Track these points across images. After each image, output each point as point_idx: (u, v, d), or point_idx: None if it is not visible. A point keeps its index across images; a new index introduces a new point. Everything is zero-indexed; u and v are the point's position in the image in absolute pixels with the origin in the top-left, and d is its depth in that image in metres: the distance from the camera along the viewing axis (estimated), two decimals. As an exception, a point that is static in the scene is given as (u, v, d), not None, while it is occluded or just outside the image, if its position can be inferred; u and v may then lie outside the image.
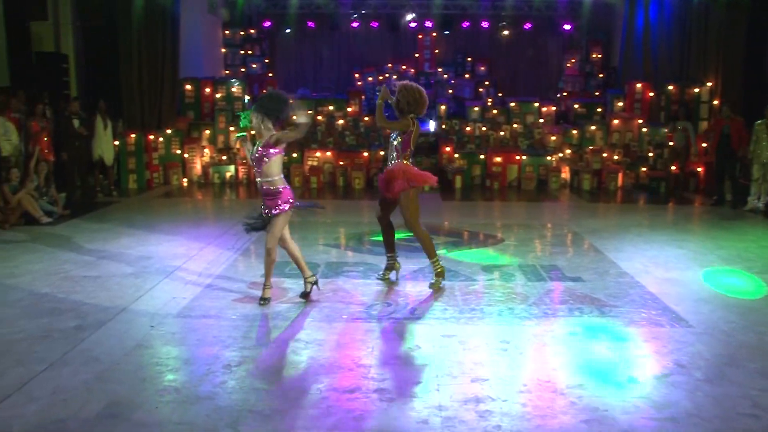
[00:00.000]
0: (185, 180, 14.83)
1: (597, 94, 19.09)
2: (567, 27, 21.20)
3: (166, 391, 4.44)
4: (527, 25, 21.59)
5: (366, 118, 16.34)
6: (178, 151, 14.96)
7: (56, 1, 14.47)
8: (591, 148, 14.94)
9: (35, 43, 14.15)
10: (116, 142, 13.56)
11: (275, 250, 6.23)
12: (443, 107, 17.34)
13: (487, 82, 21.15)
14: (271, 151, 6.06)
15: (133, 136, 14.17)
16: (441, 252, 7.90)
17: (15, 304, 6.28)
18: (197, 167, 15.07)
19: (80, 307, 6.17)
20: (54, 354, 5.06)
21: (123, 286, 6.84)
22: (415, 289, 6.84)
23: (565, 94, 19.92)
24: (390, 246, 7.11)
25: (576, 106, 17.05)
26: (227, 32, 20.03)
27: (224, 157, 15.13)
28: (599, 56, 20.00)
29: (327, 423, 4.04)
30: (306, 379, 4.66)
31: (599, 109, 16.59)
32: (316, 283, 6.50)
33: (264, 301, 6.28)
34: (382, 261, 7.82)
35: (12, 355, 5.06)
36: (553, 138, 15.55)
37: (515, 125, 16.09)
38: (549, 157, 14.82)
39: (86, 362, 4.92)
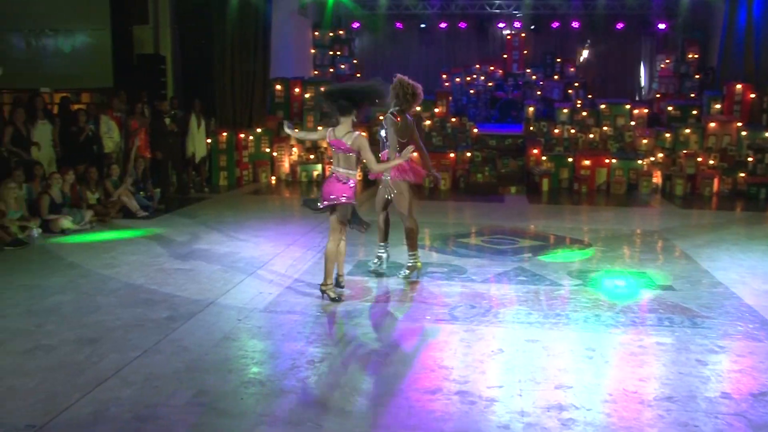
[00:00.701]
0: (273, 178, 15.15)
1: (693, 95, 18.38)
2: (661, 26, 20.51)
3: (251, 383, 4.56)
4: (619, 25, 21.01)
5: (453, 119, 16.28)
6: (268, 150, 15.30)
7: (157, 5, 15.06)
8: (685, 152, 14.39)
9: (136, 46, 14.79)
10: (209, 140, 14.00)
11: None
12: (531, 109, 17.08)
13: (576, 84, 20.71)
14: (348, 148, 6.16)
15: (224, 134, 14.58)
16: (526, 255, 7.81)
17: (112, 294, 6.58)
18: (285, 165, 15.37)
19: (172, 299, 6.41)
20: (147, 342, 5.27)
21: (212, 280, 7.05)
22: (499, 291, 6.78)
23: (658, 96, 19.29)
24: (386, 237, 7.35)
25: (669, 108, 16.47)
26: (317, 33, 20.35)
27: (312, 156, 15.37)
28: (696, 56, 19.26)
29: (408, 423, 4.05)
30: (388, 378, 4.69)
31: (694, 112, 15.94)
32: (328, 294, 6.33)
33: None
34: (468, 263, 7.82)
35: (109, 341, 5.31)
36: (645, 141, 15.06)
37: (605, 128, 15.69)
38: (640, 161, 14.36)
39: (177, 351, 5.11)
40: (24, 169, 9.58)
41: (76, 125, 11.11)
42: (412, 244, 7.09)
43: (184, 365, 4.85)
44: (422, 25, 21.61)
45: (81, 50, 14.93)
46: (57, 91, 13.99)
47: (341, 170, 6.24)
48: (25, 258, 8.06)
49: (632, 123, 15.86)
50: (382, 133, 7.00)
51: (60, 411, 4.14)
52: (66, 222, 9.31)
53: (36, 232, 8.99)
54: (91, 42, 14.79)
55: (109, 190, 10.55)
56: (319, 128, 7.13)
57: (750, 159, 14.14)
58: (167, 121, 12.54)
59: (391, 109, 6.97)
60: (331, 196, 6.20)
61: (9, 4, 14.81)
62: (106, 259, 7.88)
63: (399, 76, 7.10)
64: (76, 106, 13.01)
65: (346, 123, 6.19)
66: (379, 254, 7.33)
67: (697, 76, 18.99)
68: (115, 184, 10.70)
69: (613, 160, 14.25)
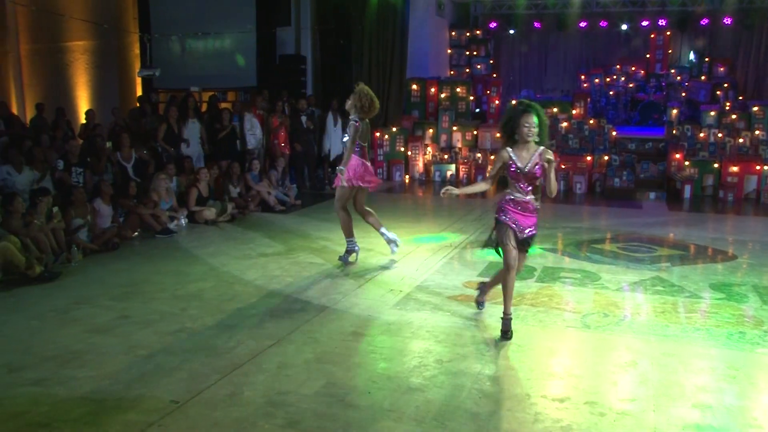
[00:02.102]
0: (407, 177, 15.32)
1: None
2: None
3: (378, 378, 4.64)
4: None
5: (591, 121, 15.81)
6: (402, 149, 15.49)
7: (299, 7, 15.62)
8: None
9: (279, 47, 15.41)
10: (344, 139, 14.32)
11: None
12: (674, 111, 16.27)
13: (726, 84, 19.51)
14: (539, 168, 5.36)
15: (360, 132, 14.88)
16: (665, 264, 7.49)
17: (249, 283, 6.90)
18: (419, 165, 15.50)
19: (305, 291, 6.63)
20: (281, 332, 5.49)
21: (344, 275, 7.24)
22: (634, 301, 6.52)
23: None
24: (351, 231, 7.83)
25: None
26: (453, 33, 20.35)
27: (446, 156, 15.41)
28: None
29: (534, 429, 3.99)
30: (515, 383, 4.63)
31: None
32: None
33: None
34: (601, 269, 7.57)
35: (245, 328, 5.58)
36: (803, 147, 13.99)
37: (757, 131, 14.70)
38: (796, 169, 13.36)
39: (308, 342, 5.28)
40: (174, 163, 10.27)
41: (221, 123, 11.72)
42: (346, 232, 7.83)
43: (315, 356, 5.01)
44: (561, 25, 21.08)
45: (228, 51, 15.76)
46: (205, 90, 14.82)
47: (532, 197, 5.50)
48: (172, 246, 8.62)
49: (789, 127, 14.76)
50: (345, 138, 7.71)
51: (200, 390, 4.40)
52: (210, 213, 9.86)
53: (183, 221, 9.59)
54: (238, 43, 15.57)
55: (250, 185, 11.06)
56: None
57: None
58: (303, 119, 12.96)
59: (352, 117, 7.62)
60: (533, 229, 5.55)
61: (163, 10, 15.87)
62: (245, 250, 8.28)
63: (360, 85, 7.73)
64: (222, 105, 13.73)
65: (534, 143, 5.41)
66: (353, 248, 7.86)
67: None
68: (255, 178, 11.21)
69: (765, 167, 13.33)
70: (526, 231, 5.45)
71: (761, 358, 5.16)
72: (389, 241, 8.00)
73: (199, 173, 10.17)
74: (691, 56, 20.94)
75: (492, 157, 15.04)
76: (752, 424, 4.12)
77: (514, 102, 5.64)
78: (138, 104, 13.84)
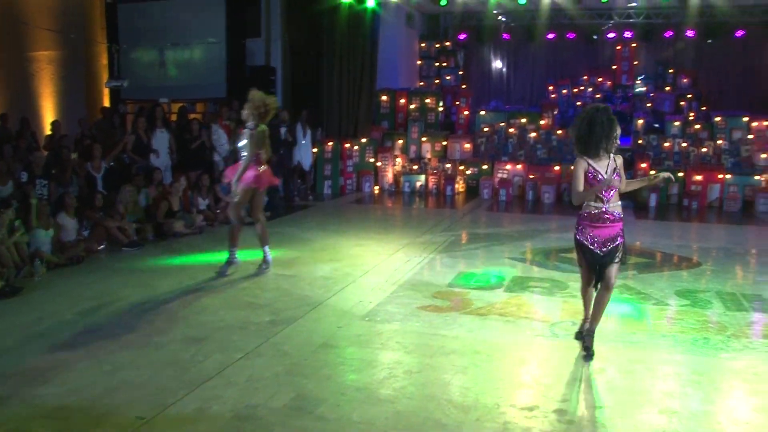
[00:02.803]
0: (377, 187, 15.34)
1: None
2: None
3: (348, 390, 4.63)
4: (739, 33, 20.00)
5: (559, 132, 15.99)
6: (372, 160, 15.51)
7: (269, 19, 15.58)
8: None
9: (249, 58, 15.35)
10: (314, 150, 14.33)
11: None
12: (640, 121, 16.53)
13: (690, 95, 19.87)
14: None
15: (330, 144, 14.90)
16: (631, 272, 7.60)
17: (218, 296, 6.85)
18: (389, 175, 15.53)
19: (274, 303, 6.60)
20: (249, 344, 5.45)
21: (314, 287, 7.21)
22: (601, 309, 6.58)
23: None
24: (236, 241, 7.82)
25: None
26: (423, 44, 20.48)
27: (415, 167, 15.47)
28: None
29: (503, 438, 4.01)
30: (484, 392, 4.64)
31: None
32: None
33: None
34: (569, 278, 7.63)
35: (214, 341, 5.52)
36: (764, 156, 14.28)
37: (720, 141, 15.00)
38: (758, 177, 13.63)
39: (277, 355, 5.25)
40: (144, 175, 10.18)
41: (190, 134, 11.64)
42: (233, 240, 7.82)
43: (284, 369, 4.97)
44: (529, 37, 21.34)
45: (197, 62, 15.67)
46: (174, 101, 14.71)
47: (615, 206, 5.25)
48: (140, 259, 8.52)
49: (750, 136, 15.08)
50: (240, 144, 7.71)
51: (167, 405, 4.34)
52: (178, 225, 9.76)
53: (150, 235, 9.49)
54: (207, 54, 15.49)
55: (219, 196, 10.99)
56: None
57: None
58: (283, 130, 12.91)
59: (248, 124, 7.62)
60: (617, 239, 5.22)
61: (131, 20, 15.75)
62: (213, 262, 8.19)
63: (252, 92, 7.68)
64: (192, 116, 13.64)
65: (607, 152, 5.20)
66: (233, 259, 7.83)
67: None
68: (224, 190, 11.11)
69: (728, 176, 13.60)
70: (608, 245, 5.11)
71: (724, 363, 5.25)
72: (265, 261, 7.90)
73: (171, 186, 10.08)
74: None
75: (461, 167, 15.15)
76: (716, 429, 4.18)
77: (591, 107, 5.22)
78: (102, 115, 13.68)
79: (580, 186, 5.15)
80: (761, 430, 4.16)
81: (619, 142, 5.19)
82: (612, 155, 5.16)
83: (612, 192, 5.14)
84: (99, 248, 8.83)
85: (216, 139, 12.11)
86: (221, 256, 8.32)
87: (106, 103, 15.85)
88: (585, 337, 5.35)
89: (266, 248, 7.92)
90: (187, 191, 10.54)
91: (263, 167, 7.70)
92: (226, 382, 4.72)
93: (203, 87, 15.25)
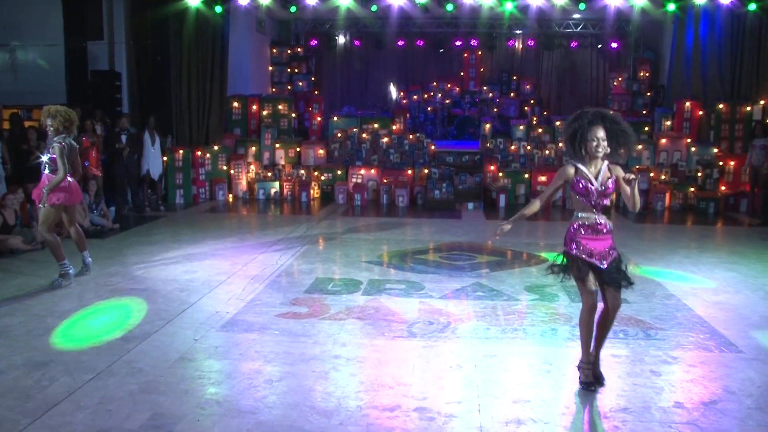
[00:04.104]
0: (231, 195, 15.04)
1: (644, 113, 18.82)
2: (614, 45, 21.01)
3: (207, 404, 4.49)
4: (573, 44, 21.47)
5: (411, 137, 16.38)
6: (225, 167, 15.20)
7: (112, 21, 14.89)
8: (637, 167, 14.72)
9: (91, 62, 14.58)
10: (165, 158, 13.84)
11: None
12: (488, 126, 17.27)
13: (532, 101, 21.04)
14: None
15: (181, 151, 14.45)
16: (483, 271, 7.88)
17: (64, 315, 6.42)
18: (243, 183, 15.28)
19: (126, 319, 6.29)
20: (100, 364, 5.16)
21: (168, 300, 6.95)
22: (457, 307, 6.80)
23: (611, 112, 19.60)
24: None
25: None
26: (275, 50, 20.35)
27: (269, 174, 15.31)
28: (647, 75, 19.75)
29: (366, 440, 4.04)
30: (347, 396, 4.66)
31: (646, 128, 16.33)
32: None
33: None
34: (425, 279, 7.83)
35: (60, 364, 5.17)
36: (600, 157, 15.33)
37: (560, 144, 15.94)
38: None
39: (131, 373, 5.00)
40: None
41: (27, 144, 10.90)
42: (57, 256, 7.54)
43: (139, 387, 4.75)
44: (379, 44, 21.74)
45: (32, 66, 14.69)
46: (6, 107, 13.73)
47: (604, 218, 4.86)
48: (-28, 279, 7.84)
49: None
50: (44, 158, 7.53)
51: (8, 437, 4.02)
52: (16, 242, 9.09)
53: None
54: (44, 57, 14.56)
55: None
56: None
57: (699, 174, 14.54)
58: (123, 138, 12.36)
59: (55, 138, 7.45)
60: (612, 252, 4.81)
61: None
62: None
63: (48, 108, 7.58)
64: (28, 123, 12.76)
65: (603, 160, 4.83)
66: (67, 270, 7.59)
67: (648, 94, 19.46)
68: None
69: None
70: (607, 258, 4.71)
71: (571, 351, 5.54)
72: (85, 265, 7.93)
73: (4, 199, 9.36)
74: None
75: (316, 173, 15.16)
76: (564, 412, 4.45)
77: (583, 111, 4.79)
78: None
79: (549, 191, 5.04)
80: (604, 409, 4.45)
81: (604, 144, 4.69)
82: (607, 163, 4.78)
83: (605, 201, 4.79)
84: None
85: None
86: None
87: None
88: (593, 365, 4.88)
89: (85, 253, 7.92)
90: (25, 204, 9.83)
91: (71, 180, 7.59)
92: (76, 407, 4.43)
93: (41, 93, 14.29)
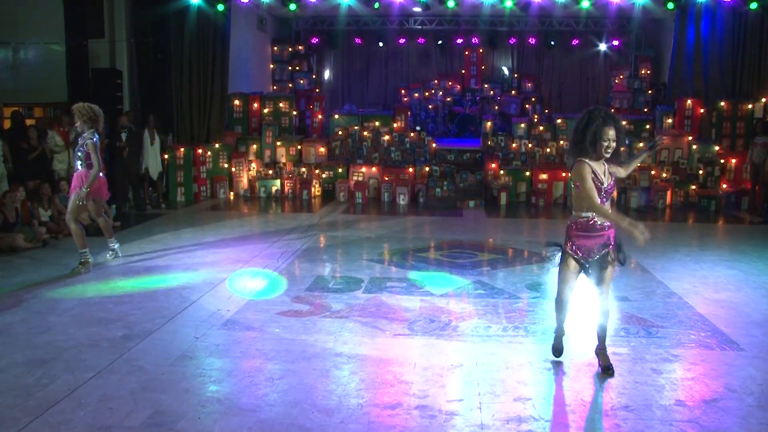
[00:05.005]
0: (232, 193, 15.04)
1: (645, 110, 18.80)
2: (615, 43, 21.00)
3: (208, 402, 4.49)
4: (574, 42, 21.45)
5: (411, 134, 16.37)
6: (226, 165, 15.20)
7: (113, 19, 14.87)
8: (639, 165, 14.67)
9: (92, 60, 14.57)
10: (165, 156, 13.84)
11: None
12: (489, 123, 17.27)
13: (533, 99, 21.03)
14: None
15: (182, 149, 14.45)
16: (485, 269, 7.87)
17: (65, 313, 6.43)
18: (244, 181, 15.27)
19: (127, 317, 6.29)
20: (102, 362, 5.16)
21: (169, 298, 6.95)
22: (458, 306, 6.80)
23: (612, 110, 19.61)
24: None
25: (624, 123, 16.76)
26: (275, 48, 20.34)
27: (270, 172, 15.31)
28: (648, 72, 19.73)
29: (367, 438, 4.04)
30: (348, 394, 4.66)
31: (648, 126, 16.30)
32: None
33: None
34: (426, 277, 7.81)
35: (62, 362, 5.18)
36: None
37: (561, 142, 15.95)
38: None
39: (132, 371, 5.01)
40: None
41: (28, 142, 10.90)
42: (79, 244, 7.97)
43: (140, 385, 4.75)
44: (380, 43, 21.73)
45: (33, 64, 14.68)
46: (8, 105, 13.72)
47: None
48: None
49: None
50: (79, 153, 7.90)
51: (9, 435, 4.03)
52: (18, 240, 9.10)
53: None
54: (45, 55, 14.54)
55: (60, 207, 10.33)
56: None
57: (701, 172, 14.52)
58: (123, 137, 12.36)
59: (85, 135, 7.86)
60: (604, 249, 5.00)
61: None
62: (59, 278, 7.71)
63: (75, 106, 8.00)
64: (29, 121, 12.76)
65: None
66: (87, 258, 8.02)
67: (649, 92, 19.44)
68: (65, 200, 10.47)
69: (570, 174, 14.44)
70: (594, 254, 4.89)
71: (572, 349, 5.53)
72: (112, 250, 8.61)
73: (5, 197, 9.36)
74: (505, 71, 22.36)
75: (317, 171, 15.13)
76: (566, 410, 4.43)
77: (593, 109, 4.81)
78: None
79: (595, 195, 4.77)
80: (605, 407, 4.45)
81: (613, 145, 4.74)
82: (605, 162, 4.87)
83: (606, 199, 4.86)
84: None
85: (54, 145, 11.42)
86: (67, 271, 7.89)
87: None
88: (598, 354, 5.08)
89: (112, 240, 8.58)
90: (26, 202, 9.83)
91: (101, 175, 8.09)
92: (77, 405, 4.44)
93: (41, 91, 14.29)
